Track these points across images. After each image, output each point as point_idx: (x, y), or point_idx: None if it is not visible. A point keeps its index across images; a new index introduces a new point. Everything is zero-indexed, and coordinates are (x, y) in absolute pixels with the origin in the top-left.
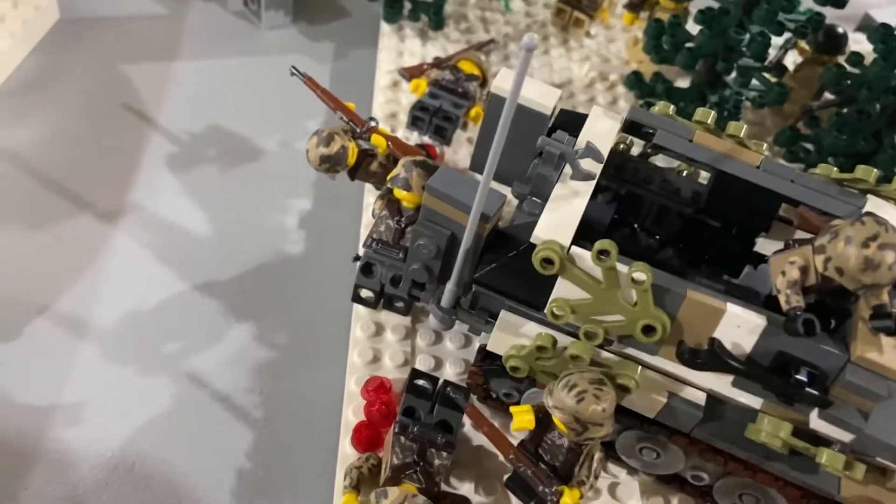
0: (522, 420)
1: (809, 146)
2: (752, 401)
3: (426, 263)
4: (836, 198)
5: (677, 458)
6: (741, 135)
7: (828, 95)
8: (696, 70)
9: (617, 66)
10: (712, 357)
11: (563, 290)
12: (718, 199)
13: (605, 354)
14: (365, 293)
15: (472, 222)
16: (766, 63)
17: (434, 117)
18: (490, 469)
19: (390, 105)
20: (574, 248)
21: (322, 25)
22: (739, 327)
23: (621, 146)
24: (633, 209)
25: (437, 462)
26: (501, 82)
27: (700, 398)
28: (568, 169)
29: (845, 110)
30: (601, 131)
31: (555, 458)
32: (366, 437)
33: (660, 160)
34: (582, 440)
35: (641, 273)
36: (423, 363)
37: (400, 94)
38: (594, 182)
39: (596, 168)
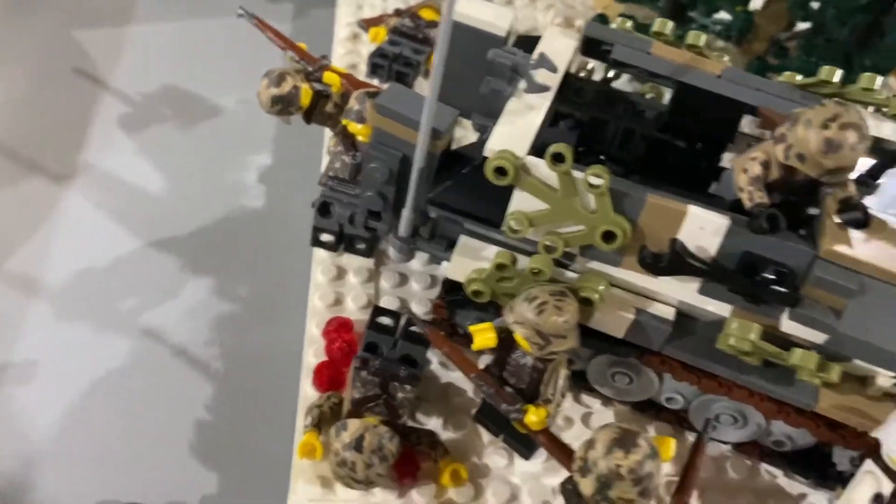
0: (483, 338)
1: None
2: (721, 308)
3: (380, 190)
4: (800, 102)
5: (651, 381)
6: (700, 44)
7: (801, 27)
8: (660, 6)
9: (582, 12)
10: (674, 259)
11: (521, 202)
12: (680, 112)
13: (569, 275)
14: (325, 237)
15: (422, 138)
16: None
17: (394, 64)
18: (459, 405)
19: (350, 56)
20: (529, 158)
21: None
22: (703, 229)
23: (583, 72)
24: (597, 136)
25: (400, 395)
26: (456, 6)
27: (669, 313)
28: (523, 84)
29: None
30: (557, 49)
31: (520, 380)
32: (327, 377)
33: (623, 85)
34: (545, 355)
35: (598, 176)
36: (387, 304)
37: (360, 45)
38: (551, 94)
39: (551, 80)
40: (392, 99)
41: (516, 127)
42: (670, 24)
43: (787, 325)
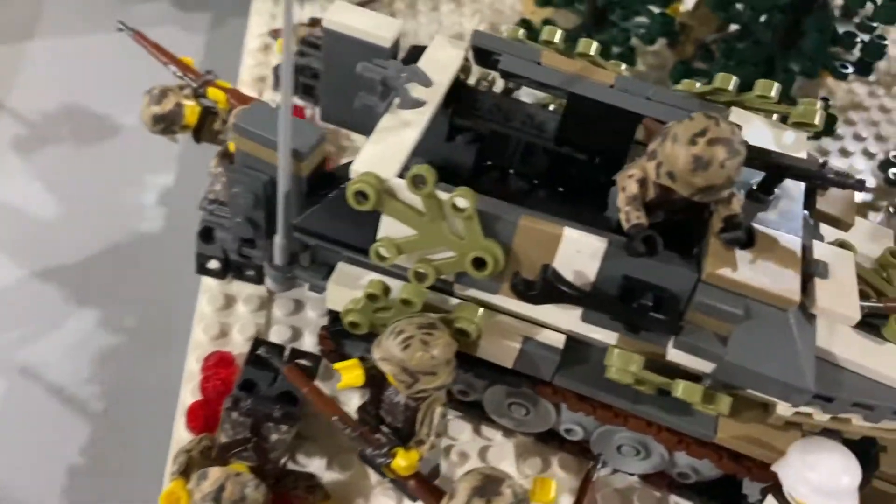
0: (349, 376)
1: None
2: (606, 336)
3: (249, 216)
4: (696, 111)
5: (548, 412)
6: (592, 52)
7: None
8: (581, 10)
9: (511, 17)
10: (546, 286)
11: (389, 227)
12: (572, 125)
13: (453, 301)
14: (212, 264)
15: (282, 160)
16: None
17: (301, 76)
18: (346, 443)
19: (259, 69)
20: (395, 180)
21: None
22: (579, 252)
23: (482, 83)
24: (498, 150)
25: (274, 437)
26: (336, 15)
27: (558, 341)
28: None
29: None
30: (443, 60)
31: (395, 419)
32: (202, 418)
33: (525, 96)
34: (414, 393)
35: (463, 198)
36: (278, 334)
37: (271, 57)
38: (430, 109)
39: (432, 94)
40: (252, 119)
41: (387, 146)
42: (559, 32)
43: (673, 354)
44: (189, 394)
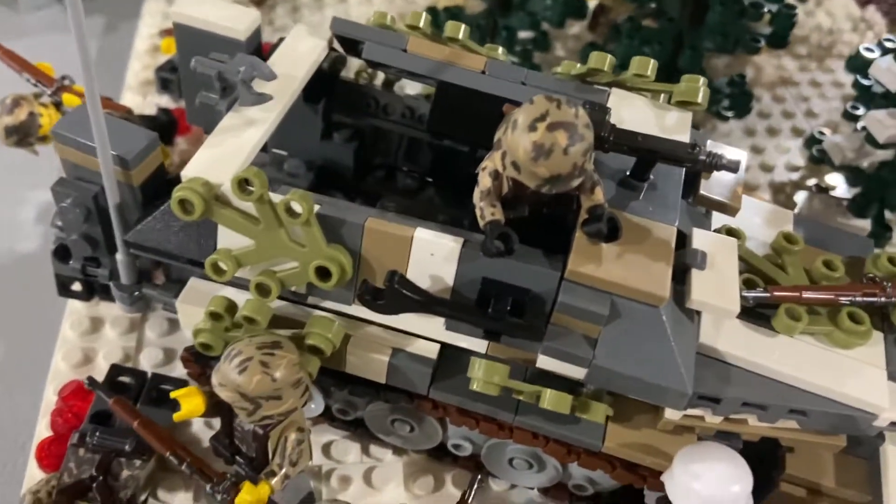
0: (189, 406)
1: None
2: (475, 344)
3: (83, 231)
4: (574, 96)
5: (434, 428)
6: (460, 36)
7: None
8: None
9: (423, 6)
10: (394, 295)
11: (227, 238)
12: (443, 115)
13: (317, 313)
14: (76, 285)
15: (104, 169)
16: None
17: (160, 70)
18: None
19: (146, 72)
20: (226, 186)
21: (91, 1)
22: (433, 255)
23: (363, 75)
24: (380, 146)
25: (125, 474)
26: (185, 6)
27: (431, 351)
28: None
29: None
30: (301, 52)
31: (250, 448)
32: (54, 455)
33: (411, 87)
34: (258, 421)
35: (298, 202)
36: (148, 358)
37: (159, 58)
38: (279, 106)
39: (281, 89)
40: (71, 124)
41: (224, 148)
42: (424, 17)
43: (542, 361)
44: (45, 428)
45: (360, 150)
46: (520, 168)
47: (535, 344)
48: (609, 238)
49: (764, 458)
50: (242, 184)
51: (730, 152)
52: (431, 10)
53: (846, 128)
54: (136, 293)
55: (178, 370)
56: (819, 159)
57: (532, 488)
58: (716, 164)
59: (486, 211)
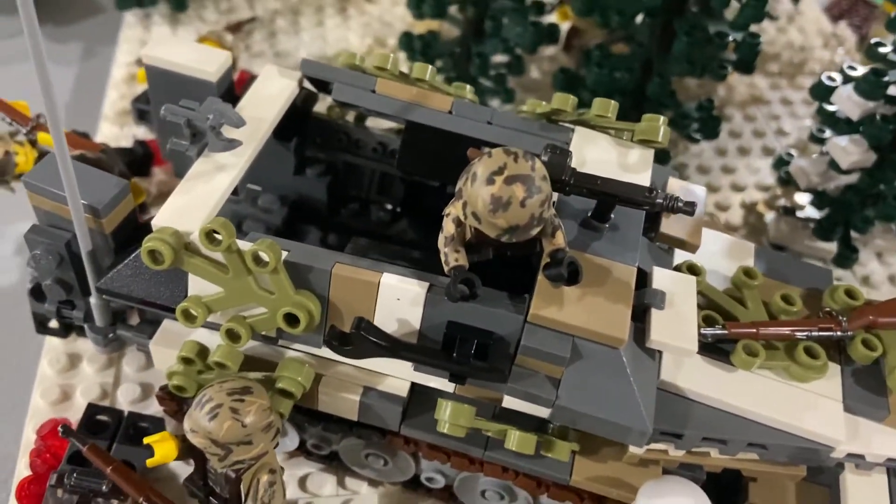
0: (161, 451)
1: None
2: (443, 384)
3: (58, 276)
4: (538, 135)
5: (407, 461)
6: (427, 77)
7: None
8: (457, 20)
9: (400, 30)
10: (360, 339)
11: (197, 285)
12: (411, 154)
13: (290, 355)
14: (53, 322)
15: (75, 218)
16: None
17: (137, 102)
18: None
19: (123, 101)
20: (196, 235)
21: (70, 25)
22: (400, 300)
23: (335, 111)
24: (353, 180)
25: None
26: (155, 49)
27: (402, 389)
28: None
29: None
30: (271, 93)
31: (223, 489)
32: (34, 494)
33: (380, 122)
34: (230, 466)
35: (264, 252)
36: (125, 394)
37: (138, 89)
38: (250, 150)
39: (251, 132)
40: (42, 174)
41: (195, 195)
42: (392, 58)
43: (508, 401)
44: (24, 467)
45: (334, 185)
46: (480, 219)
47: (501, 385)
48: (569, 282)
49: (728, 487)
50: (210, 234)
51: (690, 191)
52: (406, 35)
53: (816, 147)
54: (111, 335)
55: (155, 406)
56: (787, 181)
57: None
58: (672, 206)
59: (450, 257)
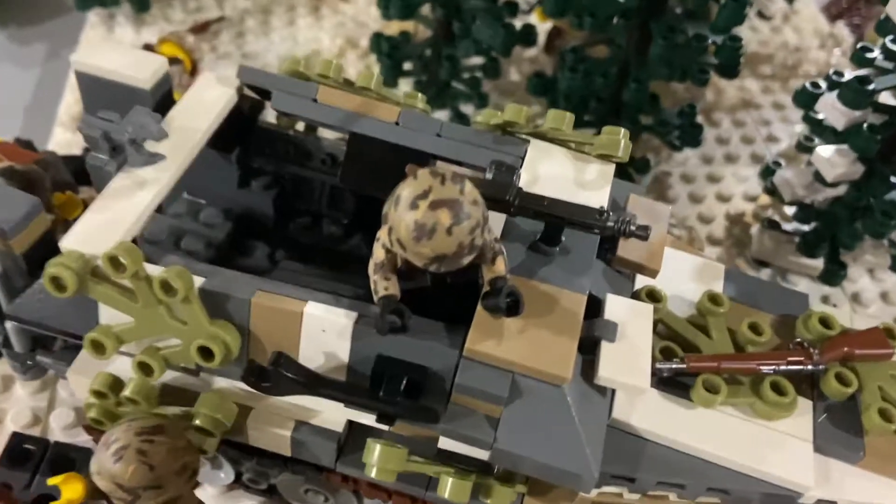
0: (68, 493)
1: None
2: (374, 421)
3: None
4: (490, 148)
5: (349, 498)
6: (372, 86)
7: None
8: (429, 20)
9: (374, 29)
10: (278, 376)
11: (109, 314)
12: (355, 168)
13: (216, 385)
14: None
15: None
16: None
17: None
18: None
19: (79, 105)
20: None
21: (34, 26)
22: (325, 332)
23: (283, 120)
24: (303, 194)
25: None
26: (87, 54)
27: (337, 424)
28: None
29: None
30: (207, 102)
31: None
32: None
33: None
34: None
35: (174, 280)
36: (59, 419)
37: None
38: (176, 164)
39: (181, 144)
40: None
41: (111, 214)
42: (335, 65)
43: (444, 443)
44: None
45: (281, 198)
46: (405, 247)
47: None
48: (509, 313)
49: None
50: (115, 260)
51: (653, 209)
52: (377, 36)
53: (804, 157)
54: (29, 361)
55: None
56: (773, 191)
57: None
58: (625, 230)
59: (380, 285)
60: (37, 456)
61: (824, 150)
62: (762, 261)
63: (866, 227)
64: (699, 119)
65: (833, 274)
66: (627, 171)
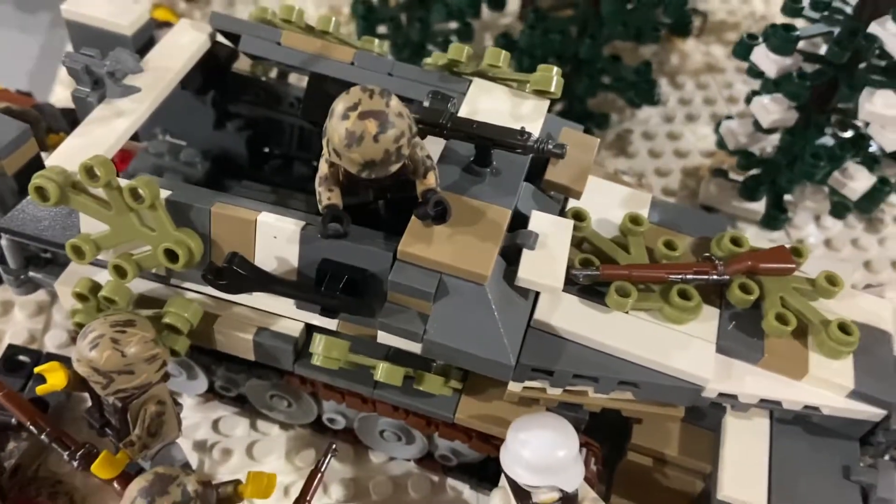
0: (52, 380)
1: None
2: (328, 322)
3: None
4: (437, 86)
5: (309, 403)
6: (331, 30)
7: None
8: None
9: None
10: (233, 274)
11: (87, 223)
12: (314, 105)
13: (186, 294)
14: None
15: None
16: None
17: None
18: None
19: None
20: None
21: None
22: (276, 238)
23: (259, 67)
24: (274, 136)
25: (11, 445)
26: (73, 4)
27: (294, 329)
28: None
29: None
30: (181, 45)
31: (116, 420)
32: None
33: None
34: (113, 394)
35: (142, 188)
36: (52, 338)
37: None
38: (150, 97)
39: (154, 81)
40: None
41: (91, 138)
42: (297, 10)
43: (382, 336)
44: None
45: (254, 140)
46: (339, 154)
47: (373, 320)
48: (437, 220)
49: (616, 429)
50: (91, 170)
51: (584, 140)
52: (361, 2)
53: None
54: (23, 276)
55: None
56: (722, 143)
57: (408, 460)
58: (543, 149)
59: (324, 196)
60: (29, 365)
61: (762, 99)
62: (709, 207)
63: (798, 170)
64: (664, 82)
65: (774, 218)
66: (589, 128)
